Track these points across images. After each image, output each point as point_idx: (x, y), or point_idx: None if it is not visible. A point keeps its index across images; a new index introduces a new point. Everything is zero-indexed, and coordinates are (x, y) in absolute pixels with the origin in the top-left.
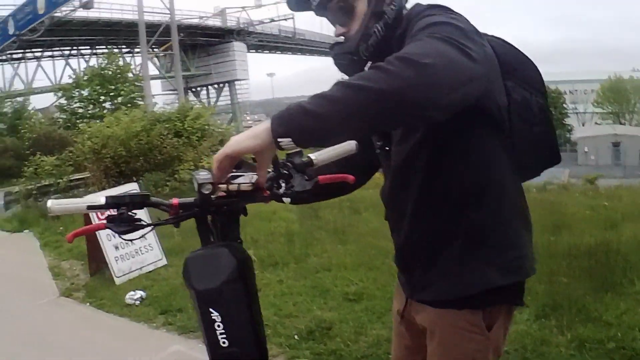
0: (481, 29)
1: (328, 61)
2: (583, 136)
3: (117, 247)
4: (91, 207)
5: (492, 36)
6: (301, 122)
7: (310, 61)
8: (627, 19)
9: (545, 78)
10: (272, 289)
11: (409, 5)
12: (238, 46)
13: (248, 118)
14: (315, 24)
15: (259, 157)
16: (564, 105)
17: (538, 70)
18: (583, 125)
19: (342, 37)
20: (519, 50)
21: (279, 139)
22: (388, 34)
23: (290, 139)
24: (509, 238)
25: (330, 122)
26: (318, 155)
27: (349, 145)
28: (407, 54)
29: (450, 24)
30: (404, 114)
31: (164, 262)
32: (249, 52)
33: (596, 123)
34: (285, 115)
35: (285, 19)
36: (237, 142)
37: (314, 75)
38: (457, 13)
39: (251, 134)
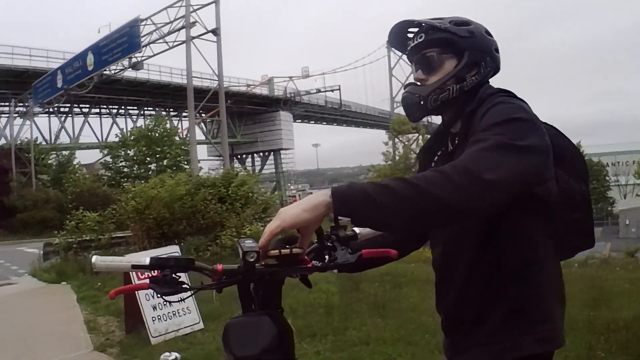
0: None
1: (373, 134)
2: (624, 208)
3: (155, 308)
4: (136, 267)
5: (545, 124)
6: (363, 207)
7: (355, 133)
8: None
9: (588, 151)
10: None
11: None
12: (284, 115)
13: (292, 187)
14: (360, 97)
15: (303, 230)
16: (606, 177)
17: (583, 159)
18: (624, 197)
19: (418, 82)
20: (568, 139)
21: (339, 217)
22: (459, 100)
23: (349, 219)
24: (545, 312)
25: (390, 215)
26: (362, 230)
27: None
28: (472, 167)
29: (517, 120)
30: (458, 220)
31: (201, 326)
32: (295, 121)
33: (637, 195)
34: (348, 196)
35: (332, 90)
36: (293, 215)
37: (359, 148)
38: (520, 101)
39: (308, 207)
